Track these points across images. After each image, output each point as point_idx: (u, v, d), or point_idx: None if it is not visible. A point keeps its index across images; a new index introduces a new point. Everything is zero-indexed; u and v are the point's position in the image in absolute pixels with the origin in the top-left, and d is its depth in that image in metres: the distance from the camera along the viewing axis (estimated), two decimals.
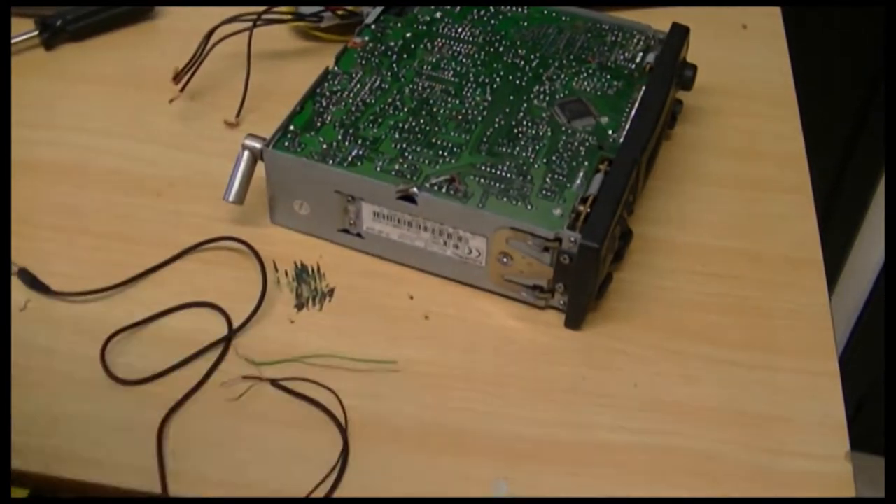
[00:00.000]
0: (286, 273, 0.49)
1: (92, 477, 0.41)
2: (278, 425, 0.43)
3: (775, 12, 0.68)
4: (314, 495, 0.41)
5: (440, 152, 0.48)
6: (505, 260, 0.46)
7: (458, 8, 0.58)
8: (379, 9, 0.57)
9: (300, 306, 0.48)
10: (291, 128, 0.49)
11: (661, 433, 0.44)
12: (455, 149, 0.49)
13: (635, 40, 0.56)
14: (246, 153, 0.49)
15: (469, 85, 0.52)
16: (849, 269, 1.03)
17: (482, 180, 0.47)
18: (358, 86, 0.52)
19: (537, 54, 0.55)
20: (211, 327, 0.47)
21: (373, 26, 0.56)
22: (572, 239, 0.44)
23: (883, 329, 0.94)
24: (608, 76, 0.53)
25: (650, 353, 0.47)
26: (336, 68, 0.53)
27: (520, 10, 0.58)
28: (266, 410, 0.44)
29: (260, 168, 0.50)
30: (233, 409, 0.44)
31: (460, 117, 0.50)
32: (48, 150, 0.56)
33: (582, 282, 0.45)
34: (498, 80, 0.53)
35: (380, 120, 0.50)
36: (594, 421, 0.44)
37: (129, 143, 0.57)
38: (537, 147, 0.49)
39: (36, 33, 0.61)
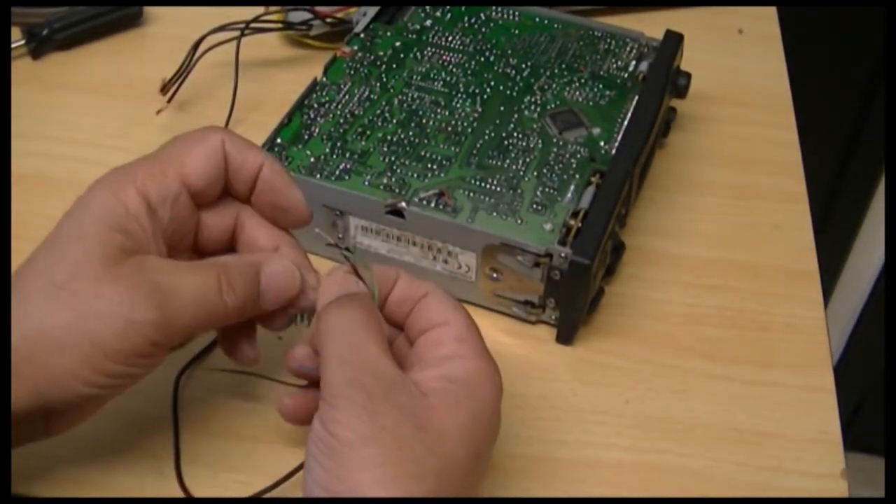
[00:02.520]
0: None
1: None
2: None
3: (771, 14, 0.67)
4: None
5: (429, 165, 0.48)
6: (495, 275, 0.46)
7: (449, 16, 0.57)
8: (368, 17, 0.56)
9: (289, 322, 0.47)
10: (279, 141, 0.49)
11: (653, 450, 0.44)
12: (444, 162, 0.48)
13: (628, 48, 0.55)
14: None
15: (459, 96, 0.52)
16: (849, 268, 1.02)
17: (471, 194, 0.46)
18: (346, 97, 0.51)
19: (528, 63, 0.54)
20: (193, 344, 0.46)
21: (362, 35, 0.55)
22: (563, 255, 0.43)
23: (882, 329, 0.94)
24: (600, 85, 0.53)
25: (643, 368, 0.47)
26: (324, 79, 0.53)
27: (511, 17, 0.57)
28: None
29: None
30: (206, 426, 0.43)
31: (450, 129, 0.50)
32: (35, 161, 0.55)
33: (573, 297, 0.45)
34: (488, 90, 0.52)
35: (368, 132, 0.49)
36: (585, 438, 0.44)
37: (118, 155, 0.54)
38: (528, 160, 0.48)
39: (23, 42, 0.61)
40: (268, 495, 0.41)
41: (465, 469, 0.34)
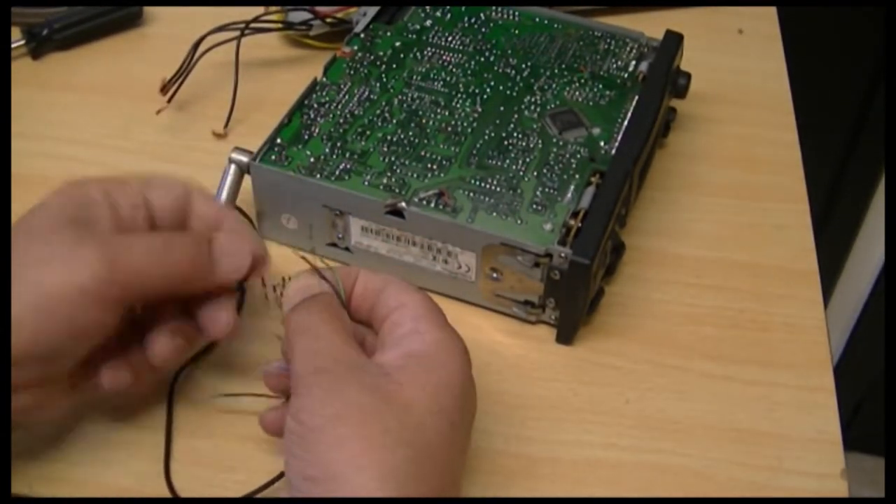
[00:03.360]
0: (274, 288, 0.48)
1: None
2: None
3: (771, 14, 0.67)
4: None
5: (429, 165, 0.48)
6: (495, 275, 0.46)
7: (449, 16, 0.57)
8: (369, 17, 0.57)
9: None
10: (279, 141, 0.49)
11: (653, 451, 0.43)
12: (444, 162, 0.48)
13: (628, 48, 0.55)
14: (233, 167, 0.49)
15: (459, 96, 0.52)
16: (849, 268, 1.02)
17: (471, 194, 0.46)
18: (346, 97, 0.51)
19: (528, 63, 0.54)
20: None
21: (362, 35, 0.55)
22: (562, 255, 0.43)
23: (882, 329, 0.94)
24: (600, 85, 0.53)
25: (643, 368, 0.47)
26: (324, 79, 0.53)
27: (511, 17, 0.57)
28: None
29: (247, 181, 0.49)
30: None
31: (449, 129, 0.50)
32: (35, 160, 0.55)
33: (573, 297, 0.45)
34: (488, 90, 0.52)
35: (368, 132, 0.49)
36: (585, 438, 0.44)
37: (117, 155, 0.56)
38: (528, 160, 0.48)
39: (22, 42, 0.61)
40: (262, 494, 0.41)
41: (439, 439, 0.35)
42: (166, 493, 0.41)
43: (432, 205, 0.46)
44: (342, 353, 0.36)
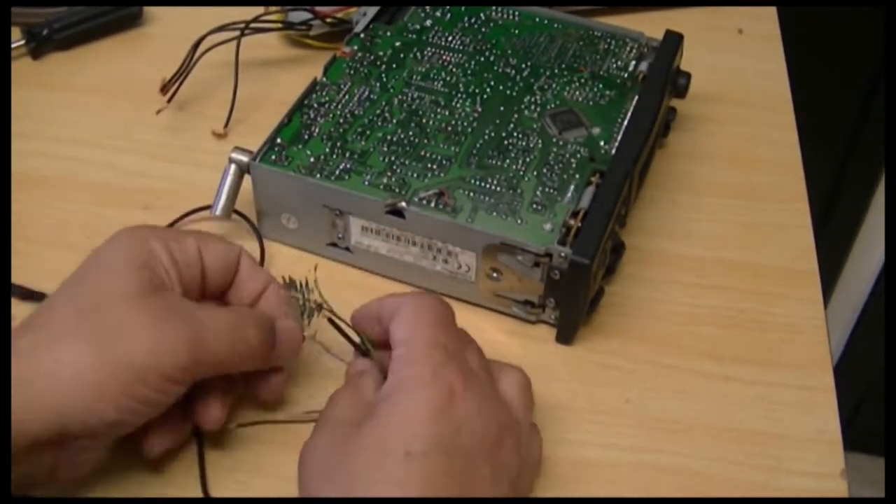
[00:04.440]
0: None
1: None
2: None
3: (771, 14, 0.67)
4: None
5: (429, 165, 0.48)
6: (495, 275, 0.46)
7: (449, 16, 0.57)
8: (368, 17, 0.57)
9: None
10: (279, 141, 0.49)
11: (653, 450, 0.43)
12: (444, 162, 0.48)
13: (628, 48, 0.55)
14: (233, 167, 0.49)
15: (459, 95, 0.52)
16: (849, 268, 1.02)
17: (471, 194, 0.46)
18: (346, 97, 0.51)
19: (528, 63, 0.54)
20: None
21: (362, 35, 0.55)
22: (562, 255, 0.43)
23: (882, 329, 0.94)
24: (600, 85, 0.53)
25: (643, 368, 0.47)
26: (324, 79, 0.53)
27: (511, 17, 0.57)
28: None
29: (248, 181, 0.49)
30: None
31: (449, 129, 0.50)
32: (35, 161, 0.55)
33: (573, 297, 0.45)
34: (488, 90, 0.52)
35: (368, 132, 0.49)
36: (585, 438, 0.44)
37: (117, 155, 0.56)
38: (528, 160, 0.48)
39: (22, 42, 0.61)
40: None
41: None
42: (166, 494, 0.41)
43: (432, 205, 0.46)
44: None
